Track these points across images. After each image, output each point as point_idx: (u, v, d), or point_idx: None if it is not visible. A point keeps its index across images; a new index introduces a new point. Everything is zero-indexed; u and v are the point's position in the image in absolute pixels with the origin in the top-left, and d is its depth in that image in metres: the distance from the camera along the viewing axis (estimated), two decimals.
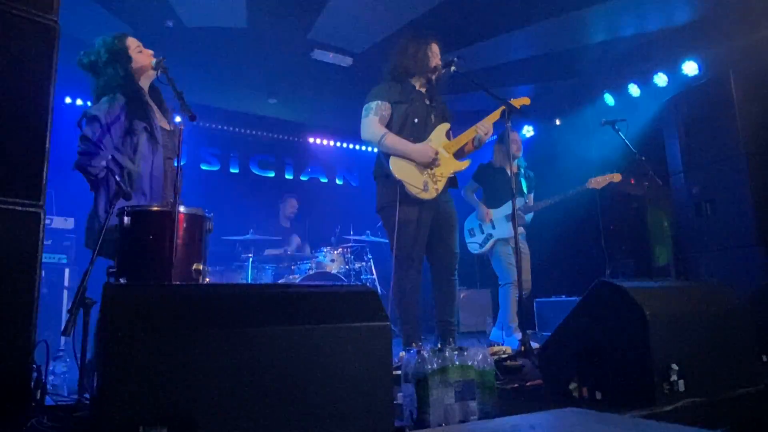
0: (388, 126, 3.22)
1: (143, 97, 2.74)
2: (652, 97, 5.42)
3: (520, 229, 4.60)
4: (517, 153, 4.66)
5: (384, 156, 3.20)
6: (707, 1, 4.64)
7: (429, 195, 3.15)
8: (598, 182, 4.40)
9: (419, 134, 3.23)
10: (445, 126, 3.35)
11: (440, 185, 3.20)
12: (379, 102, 3.24)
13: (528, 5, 4.67)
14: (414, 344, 2.94)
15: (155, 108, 2.85)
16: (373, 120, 3.21)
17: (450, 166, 3.27)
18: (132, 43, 2.81)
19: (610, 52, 5.51)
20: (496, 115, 3.34)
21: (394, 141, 3.15)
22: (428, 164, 3.15)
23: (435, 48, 3.37)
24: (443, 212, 3.26)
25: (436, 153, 3.17)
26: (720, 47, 4.76)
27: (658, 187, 4.15)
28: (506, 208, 4.48)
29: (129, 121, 2.61)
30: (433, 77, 3.36)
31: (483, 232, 4.62)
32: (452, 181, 3.35)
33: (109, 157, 2.57)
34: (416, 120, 3.24)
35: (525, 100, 3.39)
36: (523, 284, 4.31)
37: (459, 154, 3.37)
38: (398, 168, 3.14)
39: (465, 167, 3.36)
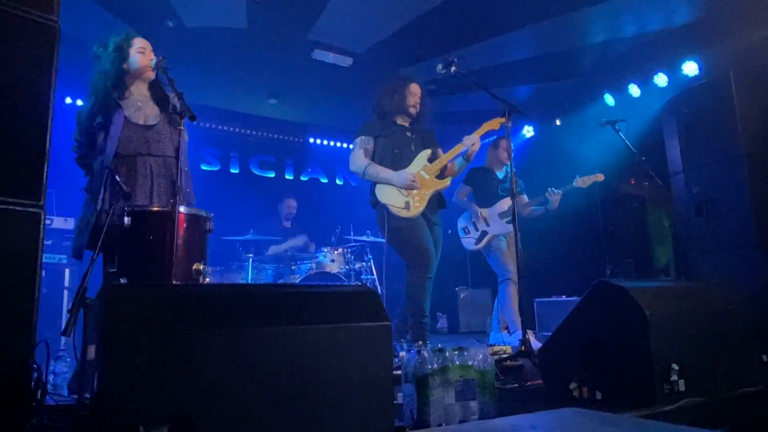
0: (372, 158, 3.58)
1: (114, 94, 2.76)
2: (652, 97, 5.41)
3: (504, 228, 4.72)
4: (507, 160, 4.73)
5: (372, 185, 3.56)
6: (707, 2, 4.64)
7: (411, 213, 3.43)
8: (584, 182, 4.57)
9: (400, 163, 3.53)
10: (426, 152, 3.62)
11: (422, 203, 3.47)
12: (363, 137, 3.62)
13: (528, 5, 4.67)
14: (421, 343, 3.02)
15: (143, 105, 2.84)
16: (358, 153, 3.58)
17: (430, 185, 3.55)
18: (137, 42, 2.86)
19: (611, 53, 5.50)
20: (483, 130, 3.60)
21: (375, 170, 3.51)
22: (408, 187, 3.44)
23: (413, 88, 3.71)
24: (433, 234, 3.53)
25: (414, 177, 3.44)
26: (720, 47, 4.76)
27: (659, 187, 4.15)
28: (498, 207, 4.62)
29: (91, 118, 2.72)
30: (413, 113, 3.68)
31: (477, 230, 4.68)
32: (440, 201, 3.65)
33: (84, 153, 2.77)
34: (396, 151, 3.58)
35: (499, 120, 3.58)
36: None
37: (441, 175, 3.63)
38: (382, 193, 3.48)
39: (446, 185, 3.63)
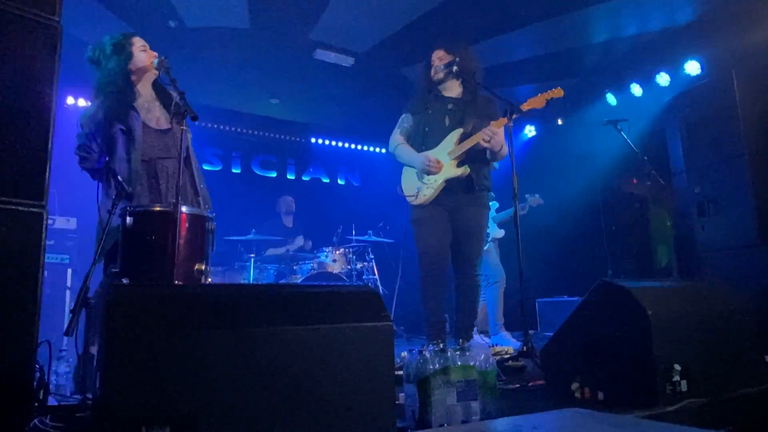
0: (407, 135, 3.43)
1: (128, 97, 2.72)
2: (654, 96, 5.41)
3: (502, 232, 4.92)
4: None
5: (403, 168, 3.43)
6: (710, 1, 4.63)
7: (418, 201, 3.26)
8: (535, 201, 5.00)
9: (427, 142, 3.30)
10: (457, 132, 3.27)
11: (432, 191, 3.20)
12: (404, 114, 3.45)
13: (529, 5, 4.67)
14: (438, 342, 2.94)
15: (151, 107, 2.83)
16: (395, 132, 3.44)
17: (446, 172, 3.21)
18: (137, 41, 2.84)
19: (613, 52, 5.50)
20: (500, 123, 3.21)
21: (401, 151, 3.36)
22: (424, 171, 3.24)
23: (434, 55, 3.44)
24: (461, 218, 3.24)
25: (431, 161, 3.16)
26: (722, 47, 4.75)
27: (661, 186, 4.15)
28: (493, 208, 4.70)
29: (108, 124, 2.63)
30: (435, 80, 3.38)
31: None
32: (468, 184, 3.24)
33: (96, 158, 2.66)
34: (427, 129, 3.34)
35: (558, 92, 3.48)
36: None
37: (463, 162, 3.26)
38: (403, 176, 3.38)
39: (464, 174, 3.24)
